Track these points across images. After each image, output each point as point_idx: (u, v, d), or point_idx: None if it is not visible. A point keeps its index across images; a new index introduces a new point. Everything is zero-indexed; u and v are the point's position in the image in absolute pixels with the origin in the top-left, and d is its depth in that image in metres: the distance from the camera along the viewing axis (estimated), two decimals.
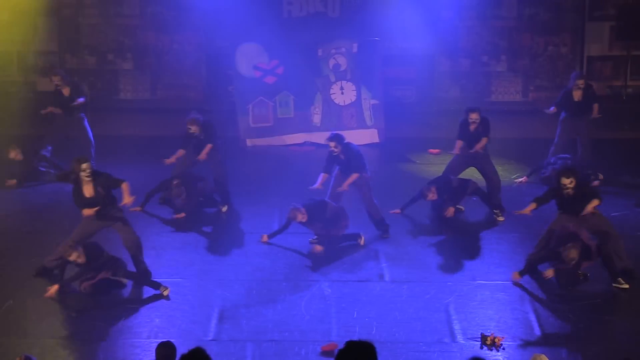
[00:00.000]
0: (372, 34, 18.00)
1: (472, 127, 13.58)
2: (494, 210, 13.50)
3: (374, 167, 14.63)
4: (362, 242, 12.52)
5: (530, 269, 11.35)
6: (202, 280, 11.42)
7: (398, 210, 13.59)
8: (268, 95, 17.50)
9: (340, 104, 17.38)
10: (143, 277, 11.20)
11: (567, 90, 15.16)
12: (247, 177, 15.43)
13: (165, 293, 10.93)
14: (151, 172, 14.68)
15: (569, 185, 11.30)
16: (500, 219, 13.41)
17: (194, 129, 13.69)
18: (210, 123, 13.91)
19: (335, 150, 12.67)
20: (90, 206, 11.07)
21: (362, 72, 17.49)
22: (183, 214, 13.33)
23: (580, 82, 15.06)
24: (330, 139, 12.78)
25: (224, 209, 13.77)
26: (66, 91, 15.28)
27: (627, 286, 11.13)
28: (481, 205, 13.67)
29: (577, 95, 15.07)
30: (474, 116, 13.56)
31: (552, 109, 15.20)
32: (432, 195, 13.04)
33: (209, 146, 13.67)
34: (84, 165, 11.05)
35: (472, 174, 13.96)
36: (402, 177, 15.52)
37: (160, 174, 14.08)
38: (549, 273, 11.07)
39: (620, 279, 11.17)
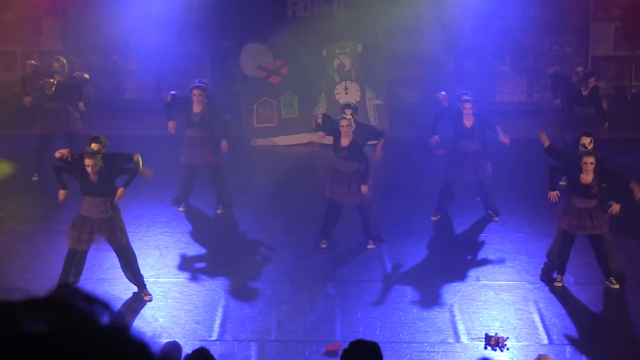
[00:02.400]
0: (376, 34, 18.00)
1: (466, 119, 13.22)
2: (489, 211, 13.46)
3: (379, 167, 14.63)
4: (371, 246, 12.45)
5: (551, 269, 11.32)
6: (206, 280, 11.42)
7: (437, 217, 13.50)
8: (272, 96, 17.50)
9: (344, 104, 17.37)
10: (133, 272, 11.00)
11: (573, 83, 14.99)
12: (251, 177, 15.43)
13: (146, 298, 10.88)
14: (155, 172, 14.67)
15: (588, 145, 11.09)
16: (496, 219, 13.38)
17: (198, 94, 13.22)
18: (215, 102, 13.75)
19: (350, 121, 12.15)
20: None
21: (367, 73, 17.50)
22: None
23: (580, 69, 14.96)
24: (350, 107, 12.54)
25: (219, 210, 13.70)
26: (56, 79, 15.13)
27: (617, 286, 11.11)
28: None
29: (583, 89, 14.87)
30: (466, 97, 13.20)
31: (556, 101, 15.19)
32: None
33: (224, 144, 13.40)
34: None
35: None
36: (406, 177, 15.51)
37: (165, 174, 14.08)
38: (615, 208, 10.94)
39: (612, 278, 11.15)
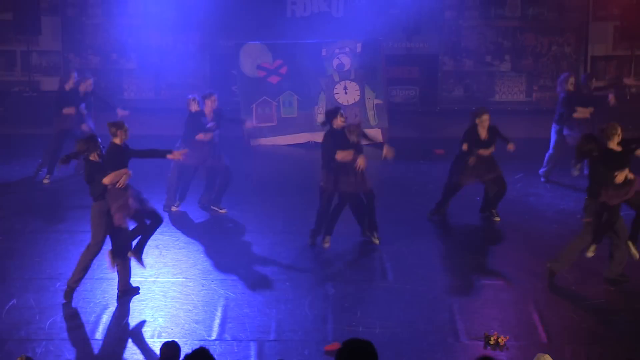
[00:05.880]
0: (375, 34, 18.02)
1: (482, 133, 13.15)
2: (492, 210, 13.45)
3: (376, 167, 14.65)
4: (376, 241, 12.46)
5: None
6: (205, 279, 11.42)
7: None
8: (272, 95, 17.52)
9: (343, 103, 17.39)
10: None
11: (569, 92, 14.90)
12: (250, 177, 15.44)
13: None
14: (154, 172, 14.68)
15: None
16: (497, 219, 13.38)
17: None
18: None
19: (343, 124, 12.08)
20: None
21: (366, 72, 17.50)
22: None
23: (571, 80, 14.79)
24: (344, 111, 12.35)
25: (223, 210, 13.71)
26: (82, 87, 15.25)
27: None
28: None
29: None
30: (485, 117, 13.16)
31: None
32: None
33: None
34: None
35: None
36: (405, 177, 15.51)
37: (164, 174, 14.08)
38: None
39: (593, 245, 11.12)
